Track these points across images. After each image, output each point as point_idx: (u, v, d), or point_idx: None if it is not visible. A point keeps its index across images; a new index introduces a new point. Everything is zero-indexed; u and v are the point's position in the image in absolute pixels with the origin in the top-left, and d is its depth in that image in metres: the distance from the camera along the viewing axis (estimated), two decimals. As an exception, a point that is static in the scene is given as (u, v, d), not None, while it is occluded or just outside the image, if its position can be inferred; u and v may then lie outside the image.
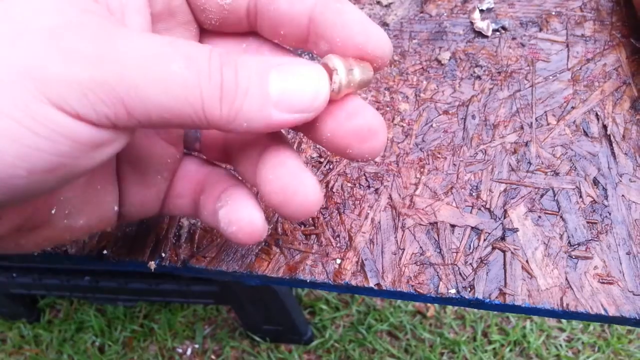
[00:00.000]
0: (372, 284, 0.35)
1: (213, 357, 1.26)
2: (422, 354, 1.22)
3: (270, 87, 0.21)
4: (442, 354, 1.23)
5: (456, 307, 1.28)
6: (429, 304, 1.29)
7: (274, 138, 0.26)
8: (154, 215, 0.30)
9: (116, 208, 0.27)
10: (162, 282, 1.11)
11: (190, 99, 0.19)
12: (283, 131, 0.28)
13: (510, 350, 1.22)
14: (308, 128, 0.24)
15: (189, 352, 1.27)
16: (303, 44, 0.25)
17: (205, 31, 0.27)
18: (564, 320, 1.25)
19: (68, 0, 0.19)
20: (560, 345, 1.22)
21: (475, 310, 1.27)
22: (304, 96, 0.21)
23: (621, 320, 0.33)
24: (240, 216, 0.25)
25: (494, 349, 1.23)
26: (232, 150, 0.29)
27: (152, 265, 0.37)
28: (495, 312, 1.26)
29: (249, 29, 0.26)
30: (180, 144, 0.29)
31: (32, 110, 0.17)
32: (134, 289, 1.13)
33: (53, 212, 0.24)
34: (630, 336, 1.22)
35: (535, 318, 1.25)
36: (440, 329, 1.25)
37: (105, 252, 0.37)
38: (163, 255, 0.37)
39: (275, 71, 0.21)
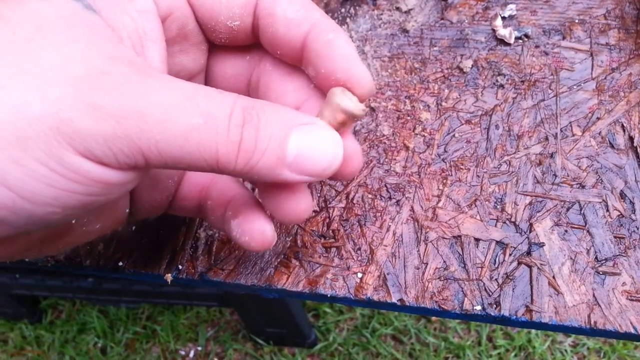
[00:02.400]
0: (395, 299, 0.34)
1: (216, 359, 1.25)
2: (426, 359, 1.21)
3: (288, 150, 0.22)
4: (446, 358, 1.22)
5: (461, 311, 1.27)
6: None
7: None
8: (160, 214, 0.32)
9: (127, 210, 0.29)
10: (166, 284, 1.10)
11: (206, 155, 0.21)
12: None
13: (515, 356, 1.21)
14: None
15: (191, 354, 1.26)
16: (298, 63, 0.26)
17: (215, 45, 0.28)
18: (569, 325, 1.24)
19: (96, 47, 0.20)
20: (566, 351, 1.21)
21: (480, 314, 1.26)
22: (319, 164, 0.23)
23: (651, 339, 0.32)
24: (252, 227, 0.28)
25: (498, 353, 1.22)
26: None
27: (169, 277, 0.36)
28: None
29: (254, 42, 0.27)
30: None
31: (62, 160, 0.19)
32: (137, 291, 1.12)
33: (73, 222, 0.25)
34: (636, 342, 1.22)
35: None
36: (444, 333, 1.25)
37: (120, 263, 0.36)
38: (180, 267, 0.36)
39: (296, 132, 0.22)
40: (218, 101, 0.21)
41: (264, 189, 0.27)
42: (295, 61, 0.26)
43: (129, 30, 0.22)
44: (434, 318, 1.27)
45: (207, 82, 0.29)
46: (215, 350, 1.26)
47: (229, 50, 0.28)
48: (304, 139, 0.22)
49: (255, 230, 0.27)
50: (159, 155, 0.20)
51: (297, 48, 0.25)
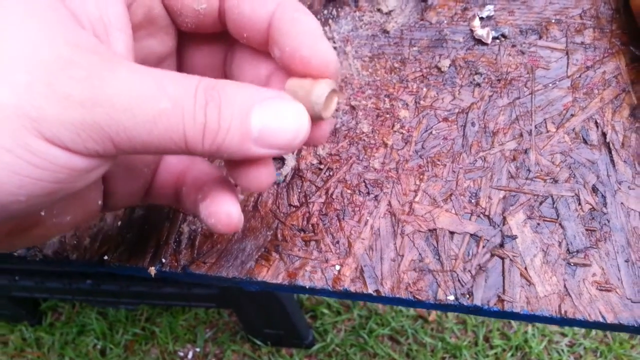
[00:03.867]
0: (371, 290, 0.35)
1: (214, 360, 1.26)
2: (423, 359, 1.22)
3: (252, 123, 0.22)
4: (443, 358, 1.23)
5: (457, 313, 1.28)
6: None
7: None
8: (136, 204, 0.32)
9: (100, 202, 0.29)
10: (164, 286, 1.11)
11: (175, 137, 0.21)
12: None
13: (512, 355, 1.22)
14: None
15: (190, 355, 1.27)
16: (264, 47, 0.26)
17: (184, 32, 0.28)
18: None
19: (60, 34, 0.20)
20: (562, 351, 1.22)
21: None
22: (284, 136, 0.23)
23: (619, 328, 0.33)
24: (218, 209, 0.28)
25: (495, 354, 1.22)
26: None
27: (153, 270, 0.37)
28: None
29: (222, 29, 0.27)
30: None
31: (30, 146, 0.19)
32: (135, 292, 1.13)
33: (42, 214, 0.25)
34: (632, 341, 1.22)
35: (537, 323, 1.25)
36: (441, 333, 1.25)
37: (106, 257, 0.38)
38: (163, 260, 0.37)
39: (258, 108, 0.22)
40: (184, 84, 0.21)
41: (230, 161, 0.28)
42: (262, 44, 0.26)
43: (92, 19, 0.22)
44: (431, 318, 1.27)
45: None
46: (213, 351, 1.27)
47: (201, 41, 0.29)
48: (267, 113, 0.22)
49: (221, 213, 0.27)
50: (128, 141, 0.20)
51: (263, 29, 0.25)
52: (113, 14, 0.23)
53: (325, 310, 1.28)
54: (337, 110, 0.42)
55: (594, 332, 1.23)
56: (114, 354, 1.26)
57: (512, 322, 1.25)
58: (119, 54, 0.23)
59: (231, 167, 0.27)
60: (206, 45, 0.29)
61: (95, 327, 1.28)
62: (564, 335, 1.24)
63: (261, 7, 0.24)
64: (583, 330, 1.24)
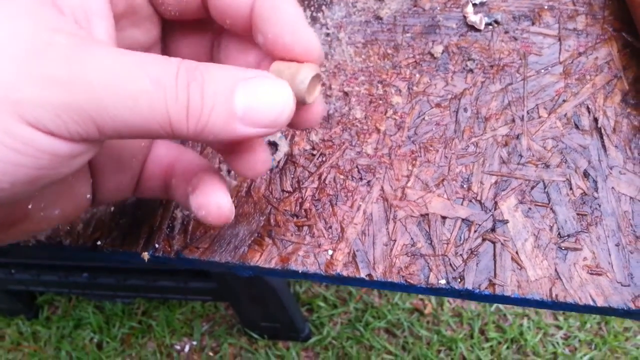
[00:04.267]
0: (363, 274, 0.35)
1: (211, 353, 1.26)
2: (419, 352, 1.22)
3: (236, 102, 0.22)
4: (439, 351, 1.23)
5: (454, 305, 1.28)
6: (426, 302, 1.29)
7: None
8: (126, 198, 0.32)
9: (89, 196, 0.28)
10: (160, 279, 1.11)
11: (158, 118, 0.21)
12: None
13: (507, 348, 1.22)
14: None
15: (187, 348, 1.27)
16: (248, 33, 0.26)
17: (168, 21, 0.28)
18: (560, 318, 1.25)
19: (40, 21, 0.20)
20: (557, 343, 1.22)
21: (473, 307, 1.27)
22: (269, 113, 0.23)
23: (609, 311, 0.33)
24: (208, 201, 0.28)
25: (491, 346, 1.23)
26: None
27: (146, 255, 0.37)
28: (492, 310, 1.27)
29: (207, 16, 0.27)
30: None
31: (12, 131, 0.19)
32: (132, 286, 1.13)
33: (30, 207, 0.25)
34: (627, 334, 1.23)
35: (532, 316, 1.25)
36: (437, 326, 1.26)
37: (99, 242, 0.38)
38: (156, 246, 0.37)
39: (242, 86, 0.22)
40: (165, 65, 0.21)
41: (224, 148, 0.27)
42: (246, 31, 0.26)
43: (73, 6, 0.22)
44: (427, 311, 1.28)
45: None
46: (210, 344, 1.27)
47: (187, 29, 0.29)
48: (250, 91, 0.22)
49: (212, 204, 0.27)
50: (111, 122, 0.20)
51: (245, 15, 0.25)
52: (94, 2, 0.23)
53: (322, 304, 1.28)
54: (329, 96, 0.42)
55: (588, 324, 1.24)
56: (110, 348, 1.26)
57: (508, 314, 1.26)
58: (101, 40, 0.23)
59: (227, 153, 0.27)
60: (192, 33, 0.29)
61: (91, 320, 1.29)
62: (559, 328, 1.24)
63: None
64: (578, 323, 1.24)
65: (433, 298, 1.28)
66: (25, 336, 1.29)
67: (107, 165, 0.29)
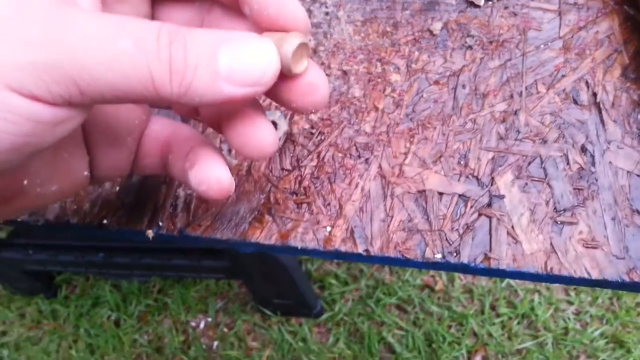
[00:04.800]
0: (360, 250, 0.36)
1: (225, 330, 1.29)
2: (430, 327, 1.24)
3: (220, 62, 0.22)
4: (450, 327, 1.24)
5: (464, 281, 1.29)
6: (437, 278, 1.30)
7: None
8: (125, 175, 0.32)
9: (86, 173, 0.28)
10: (174, 257, 1.13)
11: (140, 77, 0.20)
12: None
13: (518, 323, 1.23)
14: None
15: (202, 325, 1.30)
16: (235, 5, 0.26)
17: None
18: (572, 293, 1.25)
19: None
20: (569, 318, 1.23)
21: (484, 283, 1.28)
22: (253, 71, 0.22)
23: (604, 284, 0.34)
24: (208, 176, 0.27)
25: (501, 321, 1.24)
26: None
27: (150, 233, 0.38)
28: (503, 286, 1.27)
29: None
30: (145, 105, 0.30)
31: None
32: (147, 264, 1.16)
33: (25, 183, 0.25)
34: (639, 309, 1.23)
35: (544, 291, 1.26)
36: (448, 302, 1.27)
37: (105, 221, 0.39)
38: (160, 224, 0.38)
39: (225, 46, 0.22)
40: (145, 26, 0.21)
41: (228, 126, 0.27)
42: (233, 2, 0.26)
43: None
44: (437, 287, 1.29)
45: None
46: (224, 321, 1.30)
47: (175, 4, 0.29)
48: (234, 50, 0.22)
49: (212, 179, 0.27)
50: (93, 83, 0.20)
51: None
52: None
53: (333, 281, 1.30)
54: (328, 75, 0.42)
55: (600, 299, 1.24)
56: (127, 325, 1.29)
57: (519, 290, 1.26)
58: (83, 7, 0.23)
59: (232, 134, 0.27)
60: (181, 9, 0.29)
61: (109, 299, 1.32)
62: (570, 303, 1.25)
63: None
64: (589, 298, 1.25)
65: (444, 274, 1.29)
66: (44, 314, 1.33)
67: (102, 141, 0.29)
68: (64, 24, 0.19)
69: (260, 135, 0.27)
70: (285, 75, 0.25)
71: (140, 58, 0.20)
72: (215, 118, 0.29)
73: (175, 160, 0.30)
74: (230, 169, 0.35)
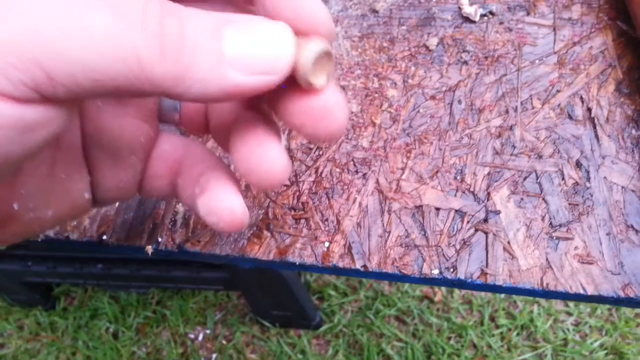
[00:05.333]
0: (358, 265, 0.36)
1: (224, 342, 1.28)
2: (429, 339, 1.23)
3: (224, 43, 0.18)
4: (449, 338, 1.24)
5: (463, 292, 1.29)
6: (436, 289, 1.30)
7: (250, 107, 0.25)
8: (130, 198, 0.29)
9: (87, 195, 0.25)
10: (173, 269, 1.13)
11: (122, 52, 0.16)
12: None
13: (518, 335, 1.23)
14: (272, 105, 0.23)
15: (200, 337, 1.30)
16: (249, 4, 0.22)
17: None
18: (571, 304, 1.25)
19: None
20: (568, 329, 1.22)
21: (483, 295, 1.28)
22: (264, 55, 0.19)
23: (599, 299, 0.34)
24: (220, 205, 0.24)
25: (501, 333, 1.24)
26: (211, 121, 0.27)
27: (149, 249, 0.38)
28: (502, 297, 1.27)
29: None
30: (154, 121, 0.27)
31: None
32: (146, 276, 1.15)
33: (16, 207, 0.22)
34: (638, 319, 1.22)
35: (543, 302, 1.26)
36: (447, 313, 1.26)
37: (104, 237, 0.39)
38: (160, 240, 0.39)
39: (230, 27, 0.18)
40: None
41: (235, 146, 0.23)
42: (246, 1, 0.22)
43: None
44: (437, 299, 1.29)
45: None
46: (223, 333, 1.29)
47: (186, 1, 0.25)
48: (241, 30, 0.18)
49: (224, 209, 0.24)
50: (62, 62, 0.16)
51: None
52: None
53: (332, 292, 1.29)
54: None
55: (599, 310, 1.24)
56: (126, 337, 1.29)
57: (518, 301, 1.26)
58: None
59: (240, 157, 0.23)
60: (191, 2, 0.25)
61: (107, 311, 1.31)
62: (569, 314, 1.24)
63: None
64: (589, 309, 1.24)
65: (443, 285, 1.29)
66: (43, 326, 1.32)
67: (104, 160, 0.26)
68: (27, 1, 0.16)
69: (271, 160, 0.22)
70: (299, 91, 0.21)
71: (120, 27, 0.16)
72: (225, 134, 0.25)
73: (185, 185, 0.27)
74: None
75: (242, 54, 0.18)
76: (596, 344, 1.19)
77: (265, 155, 0.22)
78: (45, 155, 0.23)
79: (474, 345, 1.23)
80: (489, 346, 1.22)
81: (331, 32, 0.21)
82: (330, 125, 0.21)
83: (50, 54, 0.16)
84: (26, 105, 0.16)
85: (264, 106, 0.25)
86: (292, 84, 0.21)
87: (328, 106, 0.21)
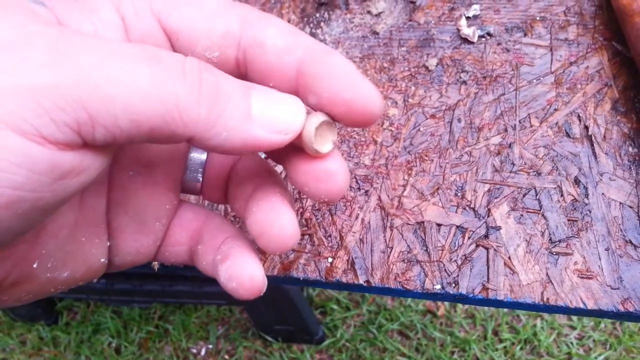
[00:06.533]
0: (361, 280, 0.37)
1: (226, 357, 1.28)
2: (432, 353, 1.23)
3: (253, 101, 0.21)
4: (452, 352, 1.24)
5: (466, 307, 1.29)
6: (439, 304, 1.30)
7: (269, 176, 0.27)
8: (145, 262, 0.29)
9: (103, 260, 0.26)
10: (176, 284, 1.14)
11: (162, 94, 0.18)
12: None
13: (521, 349, 1.23)
14: (284, 165, 0.25)
15: (203, 352, 1.30)
16: (294, 94, 0.24)
17: None
18: (574, 318, 1.25)
19: (37, 16, 0.18)
20: (572, 343, 1.22)
21: (486, 309, 1.28)
22: (283, 118, 0.21)
23: (599, 314, 0.35)
24: (240, 272, 0.25)
25: (504, 347, 1.23)
26: (230, 188, 0.29)
27: (156, 265, 0.39)
28: (505, 311, 1.27)
29: (238, 75, 0.24)
30: (177, 190, 0.29)
31: None
32: (148, 291, 1.16)
33: (35, 266, 0.22)
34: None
35: (546, 316, 1.26)
36: (450, 327, 1.26)
37: (111, 254, 0.40)
38: (165, 256, 0.39)
39: (256, 90, 0.21)
40: (167, 52, 0.19)
41: (249, 211, 0.25)
42: (290, 92, 0.23)
43: (85, 32, 0.21)
44: (440, 313, 1.29)
45: None
46: (225, 348, 1.29)
47: None
48: (264, 95, 0.21)
49: (244, 276, 0.25)
50: (105, 105, 0.17)
51: (291, 77, 0.23)
52: (110, 36, 0.22)
53: (335, 306, 1.30)
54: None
55: (603, 324, 1.24)
56: (128, 352, 1.29)
57: (521, 315, 1.26)
58: None
59: (251, 217, 0.25)
60: None
61: (110, 325, 1.32)
62: (572, 328, 1.24)
63: (288, 54, 0.22)
64: (592, 323, 1.24)
65: (445, 300, 1.29)
66: (45, 341, 1.32)
67: (127, 226, 0.26)
68: (74, 45, 0.17)
69: (282, 225, 0.24)
70: (308, 155, 0.24)
71: (162, 75, 0.18)
72: (242, 203, 0.27)
73: (205, 252, 0.28)
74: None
75: (266, 114, 0.21)
76: (600, 358, 1.19)
77: (278, 220, 0.24)
78: (68, 217, 0.24)
79: (477, 360, 1.22)
80: (492, 361, 1.22)
81: (381, 108, 0.23)
82: (329, 187, 0.24)
83: (95, 96, 0.17)
84: (63, 151, 0.17)
85: (280, 178, 0.28)
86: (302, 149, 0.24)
87: (330, 170, 0.23)
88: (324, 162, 0.23)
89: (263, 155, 0.34)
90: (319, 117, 0.23)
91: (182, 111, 0.19)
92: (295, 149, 0.24)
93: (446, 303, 1.30)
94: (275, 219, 0.24)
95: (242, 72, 0.24)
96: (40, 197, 0.17)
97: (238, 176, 0.28)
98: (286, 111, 0.22)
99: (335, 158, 0.24)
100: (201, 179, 0.29)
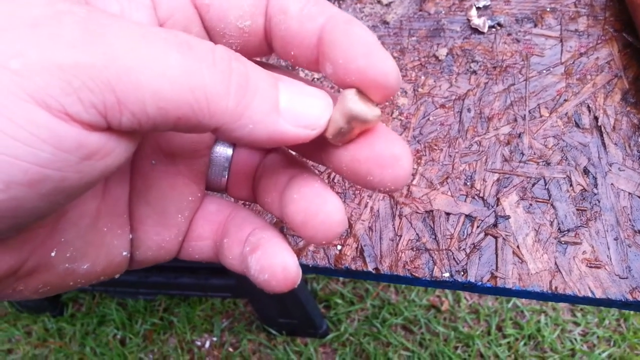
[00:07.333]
0: (370, 268, 0.37)
1: (231, 349, 1.29)
2: (436, 348, 1.23)
3: (280, 94, 0.20)
4: (456, 347, 1.24)
5: (470, 302, 1.29)
6: (443, 298, 1.30)
7: (304, 165, 0.26)
8: (169, 259, 0.28)
9: (125, 253, 0.25)
10: (181, 276, 1.14)
11: (192, 82, 0.18)
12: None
13: (525, 344, 1.23)
14: (329, 156, 0.24)
15: (207, 344, 1.30)
16: (314, 65, 0.23)
17: None
18: (578, 314, 1.25)
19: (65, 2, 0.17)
20: (575, 339, 1.22)
21: (490, 304, 1.28)
22: (310, 112, 0.21)
23: (607, 303, 0.35)
24: (272, 262, 0.24)
25: (508, 342, 1.24)
26: (260, 181, 0.27)
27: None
28: (509, 306, 1.27)
29: (268, 52, 0.24)
30: (202, 183, 0.28)
31: (8, 109, 0.15)
32: (153, 283, 1.16)
33: (53, 254, 0.22)
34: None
35: (550, 312, 1.26)
36: (454, 322, 1.27)
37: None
38: (175, 242, 0.40)
39: (284, 83, 0.21)
40: (197, 39, 0.19)
41: (292, 200, 0.23)
42: (311, 63, 0.23)
43: (111, 11, 0.20)
44: (443, 308, 1.29)
45: None
46: (230, 340, 1.30)
47: None
48: (291, 89, 0.21)
49: (276, 265, 0.23)
50: (134, 89, 0.17)
51: (312, 45, 0.22)
52: (137, 16, 0.21)
53: (339, 300, 1.30)
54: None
55: (607, 320, 1.24)
56: (133, 344, 1.29)
57: (525, 311, 1.26)
58: None
59: (291, 206, 0.23)
60: None
61: (115, 317, 1.32)
62: (577, 324, 1.24)
63: (310, 21, 0.22)
64: (596, 319, 1.24)
65: (450, 295, 1.29)
66: (51, 332, 1.33)
67: (149, 218, 0.26)
68: (104, 26, 0.17)
69: (328, 212, 0.22)
70: (361, 141, 0.22)
71: (192, 62, 0.18)
72: (272, 198, 0.26)
73: (232, 245, 0.26)
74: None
75: (293, 108, 0.20)
76: (604, 355, 1.19)
77: (324, 206, 0.22)
78: (90, 205, 0.23)
79: (481, 355, 1.23)
80: (496, 356, 1.22)
81: (398, 80, 0.21)
82: (396, 173, 0.21)
83: (124, 81, 0.16)
84: (90, 131, 0.17)
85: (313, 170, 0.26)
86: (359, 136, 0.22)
87: (395, 153, 0.21)
88: (386, 148, 0.21)
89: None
90: (349, 90, 0.21)
91: (211, 101, 0.18)
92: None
93: (450, 298, 1.30)
94: (321, 204, 0.22)
95: (268, 41, 0.23)
96: (65, 178, 0.17)
97: (268, 169, 0.27)
98: (314, 105, 0.21)
99: (395, 141, 0.22)
100: (227, 175, 0.28)
